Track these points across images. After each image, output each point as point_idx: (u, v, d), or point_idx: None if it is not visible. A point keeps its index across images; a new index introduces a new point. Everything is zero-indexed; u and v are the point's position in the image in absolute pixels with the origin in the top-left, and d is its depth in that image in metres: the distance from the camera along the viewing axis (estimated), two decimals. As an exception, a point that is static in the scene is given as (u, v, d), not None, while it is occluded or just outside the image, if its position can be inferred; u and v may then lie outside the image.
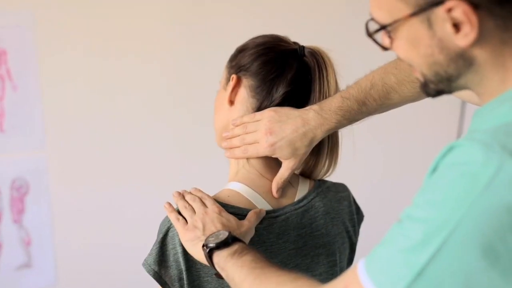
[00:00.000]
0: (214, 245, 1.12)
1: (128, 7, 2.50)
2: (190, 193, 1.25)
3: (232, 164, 1.32)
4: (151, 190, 2.57)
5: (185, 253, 1.20)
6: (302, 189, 1.34)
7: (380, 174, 2.82)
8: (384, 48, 0.93)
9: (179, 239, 1.20)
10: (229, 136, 1.29)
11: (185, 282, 1.21)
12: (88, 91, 2.50)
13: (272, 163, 1.30)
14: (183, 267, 1.20)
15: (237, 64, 1.30)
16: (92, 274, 2.57)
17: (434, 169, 0.83)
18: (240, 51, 1.31)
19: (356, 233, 1.42)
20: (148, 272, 1.22)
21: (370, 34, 0.91)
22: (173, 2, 2.54)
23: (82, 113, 2.51)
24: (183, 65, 2.57)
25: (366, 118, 1.31)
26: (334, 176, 1.38)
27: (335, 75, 1.30)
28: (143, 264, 1.22)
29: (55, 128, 2.49)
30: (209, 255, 1.12)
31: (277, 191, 1.28)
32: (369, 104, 1.27)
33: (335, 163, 1.35)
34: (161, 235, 1.22)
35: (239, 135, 1.28)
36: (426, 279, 0.78)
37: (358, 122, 1.30)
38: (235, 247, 1.11)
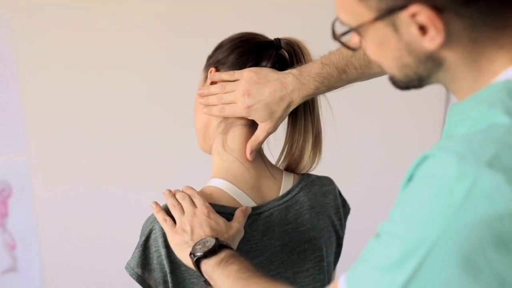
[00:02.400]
0: (201, 254, 1.11)
1: (108, 5, 2.48)
2: (181, 191, 1.23)
3: (213, 159, 1.30)
4: (137, 191, 2.55)
5: (169, 255, 1.18)
6: (286, 184, 1.32)
7: (368, 167, 2.81)
8: (353, 49, 0.91)
9: (163, 241, 1.18)
10: (205, 93, 1.28)
11: (170, 285, 1.19)
12: (69, 92, 2.48)
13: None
14: (167, 269, 1.18)
15: (214, 60, 1.29)
16: (79, 277, 2.55)
17: (409, 179, 0.81)
18: (216, 48, 1.30)
19: (342, 226, 1.40)
20: (131, 275, 1.20)
21: (336, 37, 0.89)
22: (157, 2, 2.52)
23: (63, 114, 2.49)
24: (167, 64, 2.56)
25: (346, 86, 1.29)
26: (321, 170, 1.36)
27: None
28: (126, 268, 1.21)
29: (36, 130, 2.47)
30: (197, 263, 1.11)
31: (251, 153, 1.26)
32: (349, 72, 1.26)
33: (320, 153, 1.33)
34: (143, 238, 1.20)
35: (216, 94, 1.26)
36: None
37: (337, 90, 1.29)
38: (222, 255, 1.10)
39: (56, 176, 2.52)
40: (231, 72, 1.26)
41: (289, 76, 1.24)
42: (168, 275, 1.18)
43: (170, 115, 2.57)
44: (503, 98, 0.79)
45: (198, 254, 1.11)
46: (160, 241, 1.18)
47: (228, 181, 1.26)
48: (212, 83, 1.28)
